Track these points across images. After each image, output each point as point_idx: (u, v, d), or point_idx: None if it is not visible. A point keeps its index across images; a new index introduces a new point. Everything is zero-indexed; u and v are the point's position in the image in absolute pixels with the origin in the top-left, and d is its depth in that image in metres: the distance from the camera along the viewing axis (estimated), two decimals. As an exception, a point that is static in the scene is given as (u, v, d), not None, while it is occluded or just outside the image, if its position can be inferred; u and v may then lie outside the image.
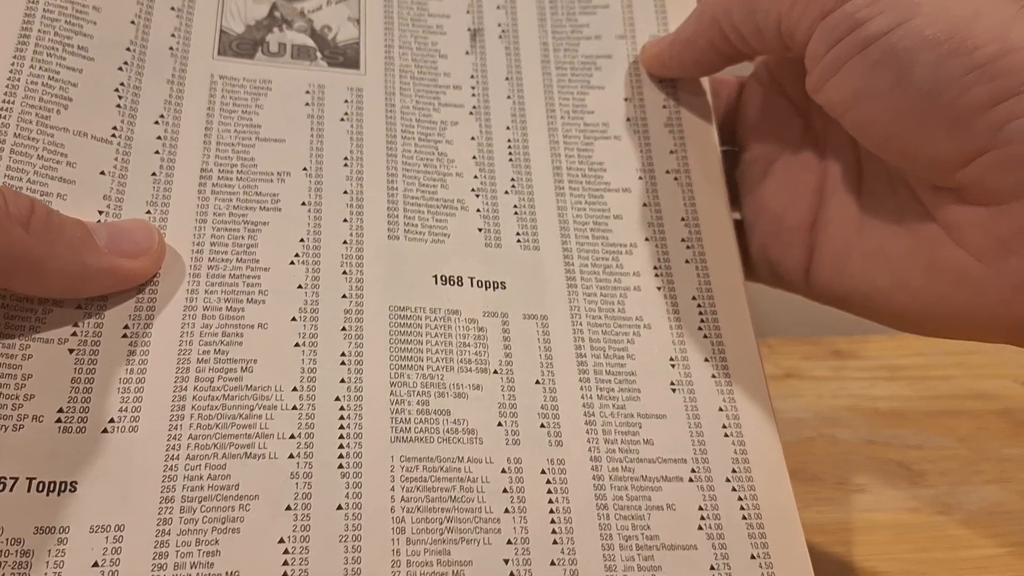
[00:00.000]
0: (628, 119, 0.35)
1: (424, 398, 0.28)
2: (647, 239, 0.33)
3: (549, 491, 0.27)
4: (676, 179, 0.34)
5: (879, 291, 0.30)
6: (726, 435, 0.29)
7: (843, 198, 0.32)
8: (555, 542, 0.27)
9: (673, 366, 0.30)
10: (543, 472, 0.28)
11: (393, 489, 0.26)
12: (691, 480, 0.28)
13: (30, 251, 0.25)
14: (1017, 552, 0.38)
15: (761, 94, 0.35)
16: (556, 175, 0.33)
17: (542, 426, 0.28)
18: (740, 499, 0.28)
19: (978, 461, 0.42)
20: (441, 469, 0.27)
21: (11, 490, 0.24)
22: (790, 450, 0.30)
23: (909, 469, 0.42)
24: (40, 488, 0.24)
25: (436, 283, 0.30)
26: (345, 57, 0.35)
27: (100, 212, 0.29)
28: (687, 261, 0.32)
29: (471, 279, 0.31)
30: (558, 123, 0.34)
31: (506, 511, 0.27)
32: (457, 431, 0.28)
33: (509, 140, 0.34)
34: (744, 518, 0.28)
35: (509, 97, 0.35)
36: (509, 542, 0.26)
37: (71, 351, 0.26)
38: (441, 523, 0.26)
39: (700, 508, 0.28)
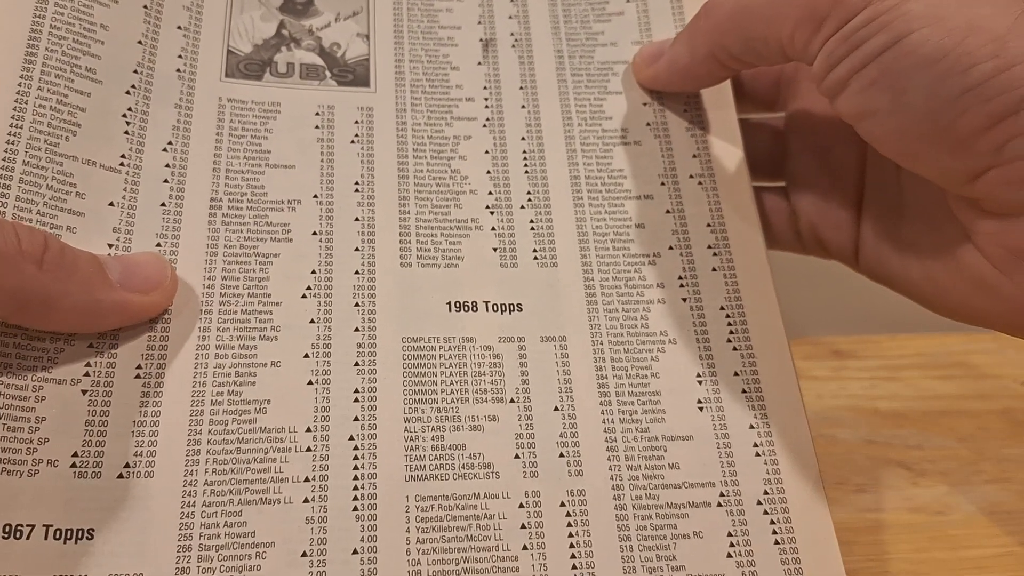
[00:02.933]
0: (648, 124, 0.34)
1: (439, 433, 0.28)
2: (671, 248, 0.31)
3: (569, 524, 0.27)
4: (700, 183, 0.33)
5: (912, 282, 0.30)
6: (757, 454, 0.28)
7: (884, 181, 0.32)
8: None
9: (700, 383, 0.29)
10: (562, 504, 0.27)
11: (408, 531, 0.26)
12: (720, 505, 0.28)
13: (43, 288, 0.25)
14: (1017, 552, 0.38)
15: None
16: (574, 185, 0.32)
17: (561, 456, 0.28)
18: (773, 523, 0.28)
19: (978, 461, 0.42)
20: (457, 507, 0.26)
21: (28, 538, 0.24)
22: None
23: (909, 469, 0.41)
24: (57, 536, 0.24)
25: (450, 310, 0.30)
26: (355, 75, 0.34)
27: (110, 245, 0.28)
28: (714, 269, 0.31)
29: (486, 303, 0.30)
30: (575, 130, 0.33)
31: (524, 548, 0.26)
32: (473, 466, 0.27)
33: (524, 151, 0.33)
34: (777, 543, 0.27)
35: (524, 107, 0.34)
36: None
37: (84, 392, 0.26)
38: (457, 564, 0.26)
39: (729, 535, 0.27)
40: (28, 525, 0.24)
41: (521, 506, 0.27)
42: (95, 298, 0.26)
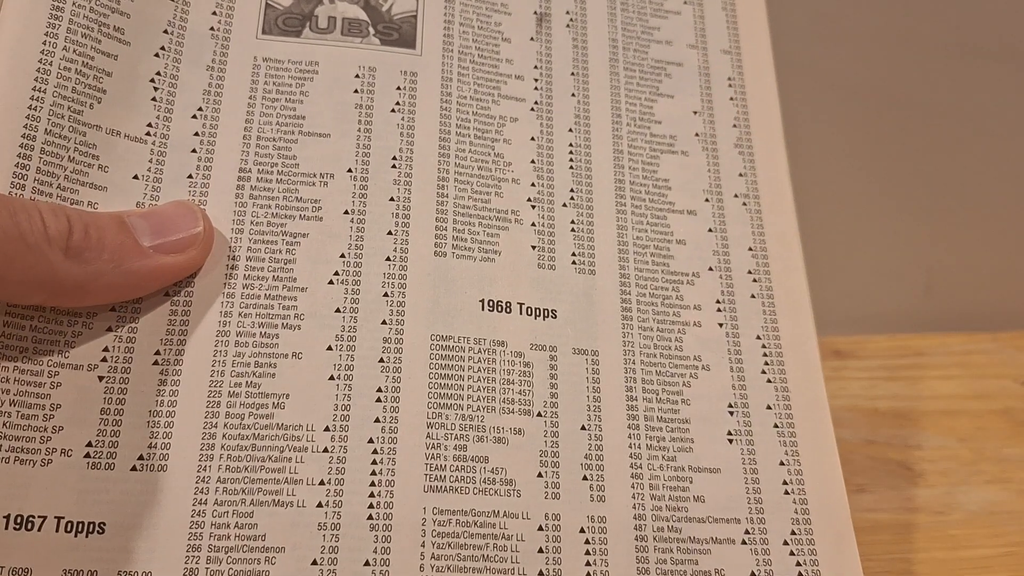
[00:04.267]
0: (697, 134, 0.32)
1: (462, 442, 0.27)
2: (711, 269, 0.30)
3: (587, 552, 0.26)
4: (745, 204, 0.31)
5: None
6: (787, 492, 0.27)
7: None
8: None
9: (732, 413, 0.28)
10: (582, 531, 0.26)
11: (424, 545, 0.25)
12: (744, 543, 0.27)
13: (73, 275, 0.24)
14: (1017, 552, 0.38)
15: None
16: (618, 189, 0.31)
17: (585, 478, 0.27)
18: (799, 564, 0.27)
19: (978, 461, 0.42)
20: (475, 524, 0.26)
21: (39, 530, 0.24)
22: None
23: (909, 469, 0.42)
24: (68, 529, 0.24)
25: (483, 308, 0.28)
26: (400, 34, 0.32)
27: (134, 217, 0.27)
28: (753, 296, 0.30)
29: (520, 305, 0.28)
30: (623, 130, 0.31)
31: (540, 574, 0.25)
32: (495, 481, 0.26)
33: (571, 144, 0.31)
34: None
35: (574, 95, 0.32)
36: None
37: (101, 379, 0.26)
38: None
39: (753, 574, 0.26)
40: (40, 516, 0.24)
41: (540, 529, 0.26)
42: (127, 271, 0.25)
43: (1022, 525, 0.40)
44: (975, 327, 0.47)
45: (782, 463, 0.28)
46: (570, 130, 0.31)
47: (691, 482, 0.27)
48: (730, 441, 0.28)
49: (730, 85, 0.33)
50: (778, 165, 0.32)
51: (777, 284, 0.30)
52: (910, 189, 0.51)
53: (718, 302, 0.30)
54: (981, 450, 0.43)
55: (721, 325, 0.29)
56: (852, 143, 0.48)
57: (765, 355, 0.29)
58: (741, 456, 0.28)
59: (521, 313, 0.28)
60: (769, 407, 0.28)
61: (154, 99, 0.28)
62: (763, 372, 0.29)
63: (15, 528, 0.24)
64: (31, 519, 0.24)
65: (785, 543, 0.27)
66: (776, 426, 0.28)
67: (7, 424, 0.24)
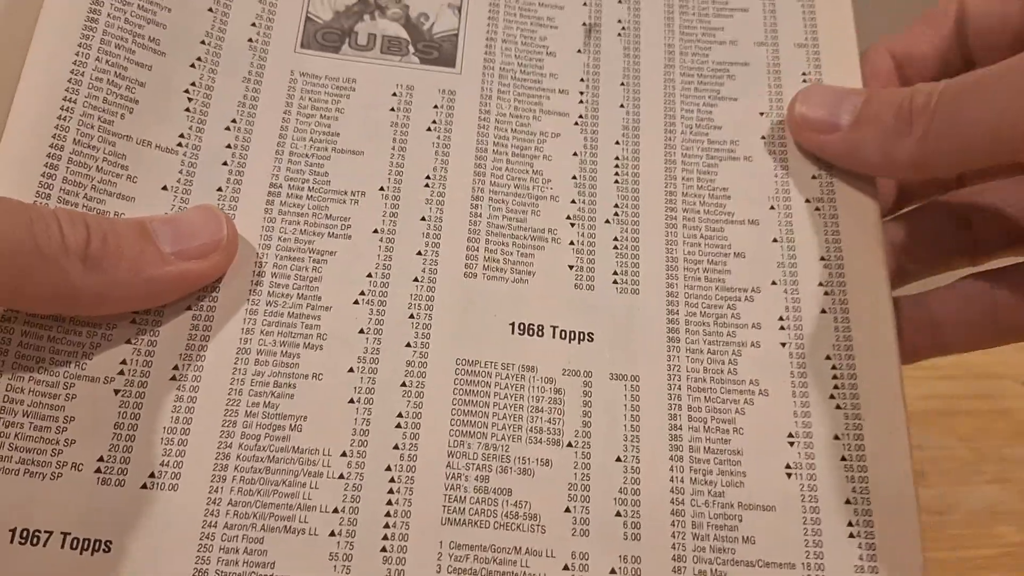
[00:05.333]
0: (763, 137, 0.29)
1: (484, 473, 0.25)
2: (774, 283, 0.28)
3: None
4: (818, 209, 0.28)
5: None
6: (852, 535, 0.25)
7: None
8: None
9: (792, 444, 0.26)
10: (613, 572, 0.24)
11: None
12: None
13: (91, 285, 0.23)
14: (1017, 552, 0.38)
15: None
16: (668, 202, 0.29)
17: (618, 515, 0.25)
18: None
19: (978, 461, 0.42)
20: (494, 561, 0.24)
21: (44, 545, 0.23)
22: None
23: None
24: (74, 545, 0.23)
25: (512, 332, 0.27)
26: (440, 52, 0.31)
27: (163, 231, 0.27)
28: (824, 311, 0.27)
29: (554, 328, 0.27)
30: (677, 139, 0.30)
31: None
32: (517, 516, 0.25)
33: (617, 158, 0.29)
34: None
35: (622, 106, 0.30)
36: None
37: (117, 392, 0.25)
38: None
39: None
40: (46, 531, 0.23)
41: (566, 568, 0.24)
42: (147, 279, 0.24)
43: (1022, 525, 0.39)
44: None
45: (849, 501, 0.25)
46: (617, 143, 0.29)
47: (740, 520, 0.25)
48: (788, 475, 0.25)
49: (805, 80, 0.30)
50: None
51: (853, 296, 0.27)
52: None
53: (781, 319, 0.27)
54: (981, 450, 0.42)
55: (784, 344, 0.27)
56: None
57: (835, 378, 0.26)
58: (801, 492, 0.25)
59: (554, 336, 0.27)
60: (837, 437, 0.26)
61: (187, 110, 0.28)
62: (832, 397, 0.26)
63: (20, 543, 0.23)
64: (37, 534, 0.23)
65: None
66: (844, 459, 0.25)
67: (19, 435, 0.24)
